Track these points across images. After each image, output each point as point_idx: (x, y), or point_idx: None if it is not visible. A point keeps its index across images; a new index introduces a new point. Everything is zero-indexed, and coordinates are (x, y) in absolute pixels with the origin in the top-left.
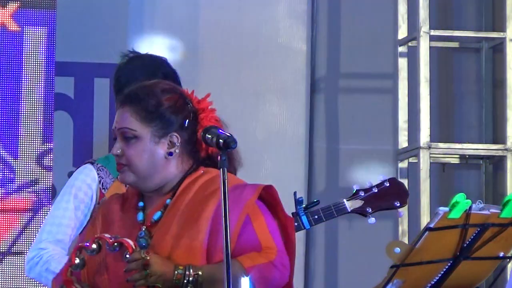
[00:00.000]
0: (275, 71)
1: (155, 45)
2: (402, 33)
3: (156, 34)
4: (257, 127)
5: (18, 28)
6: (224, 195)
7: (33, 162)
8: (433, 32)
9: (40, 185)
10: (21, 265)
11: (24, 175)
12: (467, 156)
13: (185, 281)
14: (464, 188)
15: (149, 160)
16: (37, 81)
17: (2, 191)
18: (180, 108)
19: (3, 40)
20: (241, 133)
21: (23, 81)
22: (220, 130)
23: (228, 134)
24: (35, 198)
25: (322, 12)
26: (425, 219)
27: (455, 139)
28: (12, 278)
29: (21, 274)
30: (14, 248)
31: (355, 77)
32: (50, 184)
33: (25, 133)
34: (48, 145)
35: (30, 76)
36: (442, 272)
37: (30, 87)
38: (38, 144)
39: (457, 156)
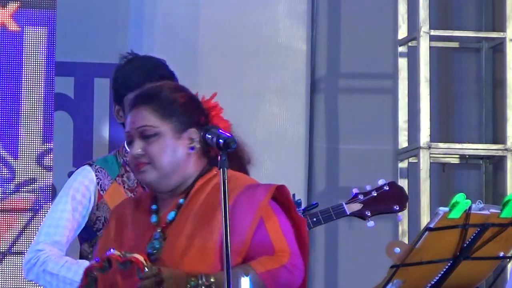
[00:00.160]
0: (275, 71)
1: (155, 45)
2: (402, 33)
3: (156, 34)
4: (257, 127)
5: (18, 28)
6: (224, 195)
7: (33, 162)
8: (433, 32)
9: (40, 185)
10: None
11: (24, 175)
12: (467, 156)
13: None
14: (464, 188)
15: (172, 155)
16: (37, 81)
17: (2, 191)
18: (194, 105)
19: (3, 40)
20: (241, 133)
21: (23, 81)
22: (220, 130)
23: (228, 134)
24: (35, 198)
25: (322, 12)
26: (425, 219)
27: (455, 139)
28: (12, 278)
29: (21, 274)
30: (14, 248)
31: (355, 77)
32: (50, 184)
33: (25, 133)
34: (48, 145)
35: (30, 76)
36: (442, 272)
37: (30, 87)
38: (38, 144)
39: (457, 156)
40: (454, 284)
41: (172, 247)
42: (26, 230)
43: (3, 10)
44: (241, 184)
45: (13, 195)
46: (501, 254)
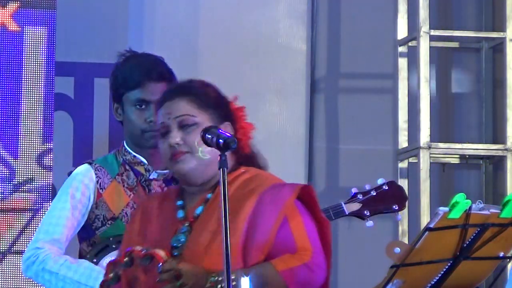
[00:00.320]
0: (275, 71)
1: (155, 45)
2: (402, 33)
3: (156, 34)
4: (257, 127)
5: (18, 28)
6: (224, 195)
7: (33, 162)
8: (433, 32)
9: (40, 185)
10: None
11: (24, 175)
12: (467, 156)
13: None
14: (464, 188)
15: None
16: (37, 81)
17: (2, 191)
18: (224, 101)
19: (3, 40)
20: None
21: (23, 81)
22: (220, 130)
23: (228, 134)
24: (35, 198)
25: (322, 12)
26: (425, 219)
27: (455, 139)
28: (12, 278)
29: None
30: (14, 248)
31: (355, 77)
32: (50, 184)
33: (25, 133)
34: (48, 145)
35: (30, 76)
36: (442, 272)
37: (30, 87)
38: (38, 144)
39: (457, 156)
40: (454, 284)
41: (197, 241)
42: (26, 230)
43: (3, 10)
44: (266, 182)
45: (13, 195)
46: (501, 254)
